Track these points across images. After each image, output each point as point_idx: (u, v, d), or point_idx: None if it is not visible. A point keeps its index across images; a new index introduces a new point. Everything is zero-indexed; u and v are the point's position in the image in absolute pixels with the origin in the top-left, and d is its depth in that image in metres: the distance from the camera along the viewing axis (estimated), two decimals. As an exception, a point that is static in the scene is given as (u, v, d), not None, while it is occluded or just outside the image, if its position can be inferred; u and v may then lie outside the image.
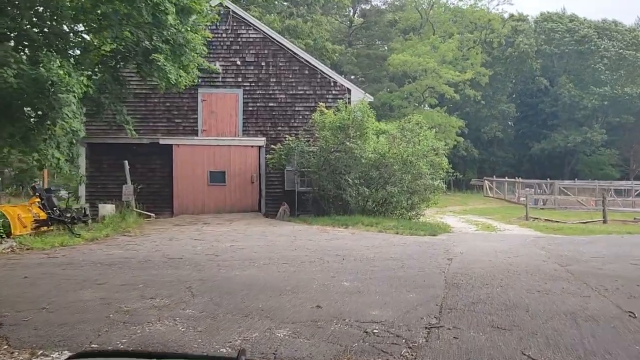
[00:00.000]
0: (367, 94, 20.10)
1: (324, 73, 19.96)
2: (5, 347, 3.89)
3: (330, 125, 17.04)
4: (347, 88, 19.98)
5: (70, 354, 1.57)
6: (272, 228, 14.22)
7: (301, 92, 19.79)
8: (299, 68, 19.80)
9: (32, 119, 13.01)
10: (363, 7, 51.63)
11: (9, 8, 14.70)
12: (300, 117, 19.57)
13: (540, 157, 49.22)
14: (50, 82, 12.06)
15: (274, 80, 19.75)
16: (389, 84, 46.31)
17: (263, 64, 19.74)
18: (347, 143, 16.45)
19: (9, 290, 5.93)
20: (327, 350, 3.87)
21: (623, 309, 5.28)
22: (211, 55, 18.28)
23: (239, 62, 19.63)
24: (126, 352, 1.54)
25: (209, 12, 16.69)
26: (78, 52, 16.12)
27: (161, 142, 19.00)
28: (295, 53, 19.98)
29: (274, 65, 19.77)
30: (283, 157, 17.96)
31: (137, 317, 4.83)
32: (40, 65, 12.22)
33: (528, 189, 32.38)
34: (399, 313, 4.97)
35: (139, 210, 17.31)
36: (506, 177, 38.13)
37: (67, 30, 15.72)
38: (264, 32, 19.95)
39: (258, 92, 19.71)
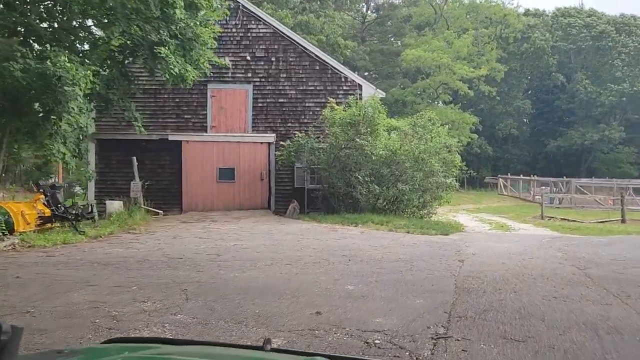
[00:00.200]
0: (378, 89, 19.69)
1: (335, 68, 19.60)
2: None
3: (341, 122, 16.69)
4: (358, 84, 19.59)
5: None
6: (279, 226, 13.93)
7: (311, 88, 19.45)
8: (310, 63, 19.46)
9: (40, 114, 12.89)
10: (376, 2, 51.09)
11: (17, 2, 14.61)
12: (311, 113, 19.24)
13: (556, 155, 48.35)
14: (57, 77, 11.92)
15: (284, 75, 19.43)
16: (402, 80, 45.79)
17: (273, 59, 19.42)
18: (357, 140, 16.09)
19: (-3, 292, 5.69)
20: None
21: (648, 319, 4.89)
22: (221, 51, 18.02)
23: (248, 58, 19.34)
24: (154, 339, 1.68)
25: (219, 6, 16.46)
26: (87, 47, 16.01)
27: (170, 138, 18.80)
28: (305, 48, 19.64)
29: (284, 61, 19.45)
30: (292, 153, 17.64)
31: (124, 322, 4.55)
32: (48, 60, 12.08)
33: (544, 187, 31.70)
34: (404, 321, 4.63)
35: (147, 207, 17.13)
36: (521, 175, 37.46)
37: (76, 25, 15.61)
38: (274, 26, 19.63)
39: (268, 88, 19.41)
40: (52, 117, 12.41)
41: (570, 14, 49.84)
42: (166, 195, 18.65)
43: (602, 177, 38.25)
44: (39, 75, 11.83)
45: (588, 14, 49.51)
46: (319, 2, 39.63)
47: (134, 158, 17.55)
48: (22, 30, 14.19)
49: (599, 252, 9.76)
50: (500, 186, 37.40)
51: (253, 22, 19.48)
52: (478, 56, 41.30)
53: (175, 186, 18.90)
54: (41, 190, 12.43)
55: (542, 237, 13.36)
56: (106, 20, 14.54)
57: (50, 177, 23.43)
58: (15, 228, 10.90)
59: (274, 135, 19.04)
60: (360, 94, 18.78)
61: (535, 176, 34.57)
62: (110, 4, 13.84)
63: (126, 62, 15.97)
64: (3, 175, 13.63)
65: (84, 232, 11.74)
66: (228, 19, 18.88)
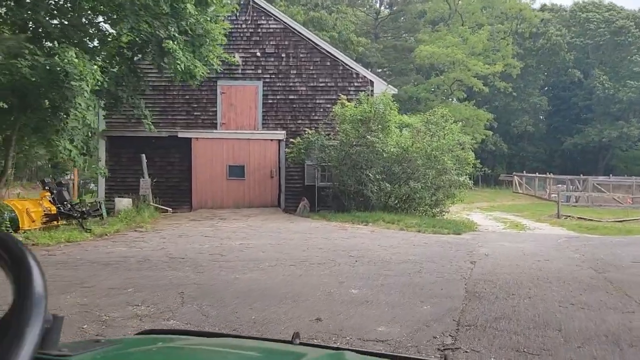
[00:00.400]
0: (390, 85, 19.32)
1: (346, 64, 19.27)
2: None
3: (351, 118, 16.38)
4: (370, 80, 19.24)
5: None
6: (288, 224, 13.68)
7: (322, 84, 19.15)
8: (320, 59, 19.16)
9: (48, 110, 12.79)
10: (390, -3, 50.61)
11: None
12: (322, 110, 18.94)
13: (572, 153, 47.48)
14: (64, 73, 11.81)
15: (295, 72, 19.15)
16: (415, 77, 45.29)
17: (283, 55, 19.15)
18: (368, 137, 15.76)
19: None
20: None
21: (675, 329, 4.53)
22: (230, 47, 17.79)
23: (258, 54, 19.09)
24: (185, 331, 1.80)
25: (228, 1, 16.26)
26: (96, 43, 15.90)
27: (180, 135, 18.64)
28: (316, 44, 19.34)
29: (294, 57, 19.16)
30: (302, 151, 17.37)
31: (113, 329, 4.31)
32: (56, 56, 11.97)
33: (560, 185, 31.05)
34: (409, 330, 4.33)
35: (156, 205, 16.98)
36: (537, 173, 36.76)
37: (86, 22, 15.50)
38: (284, 22, 19.35)
39: (278, 85, 19.15)
40: (59, 112, 12.29)
41: (588, 8, 48.84)
42: (176, 192, 18.51)
43: (620, 175, 37.43)
44: (46, 71, 11.73)
45: (607, 9, 48.46)
46: (331, -2, 39.26)
47: (143, 155, 17.41)
48: (31, 27, 14.10)
49: (618, 253, 9.35)
50: (516, 184, 36.76)
51: (263, 18, 19.21)
52: (493, 52, 40.63)
53: (185, 183, 18.76)
54: (47, 187, 12.30)
55: (558, 237, 12.95)
56: (115, 17, 14.39)
57: (66, 174, 23.47)
58: (20, 226, 10.79)
59: (284, 132, 18.79)
60: (372, 90, 18.41)
61: (551, 174, 33.88)
62: (120, 1, 13.70)
63: (135, 58, 15.83)
64: (13, 171, 13.52)
65: (90, 229, 11.59)
66: (238, 14, 18.68)
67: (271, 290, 5.74)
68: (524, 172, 38.86)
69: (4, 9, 14.11)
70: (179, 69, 13.78)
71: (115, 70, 15.64)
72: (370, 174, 15.72)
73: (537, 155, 48.07)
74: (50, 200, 12.03)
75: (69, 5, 15.01)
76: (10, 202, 11.24)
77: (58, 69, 11.73)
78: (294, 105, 19.12)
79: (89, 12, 15.20)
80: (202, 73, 14.78)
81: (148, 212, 15.43)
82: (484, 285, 6.13)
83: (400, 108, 18.23)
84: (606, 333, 4.38)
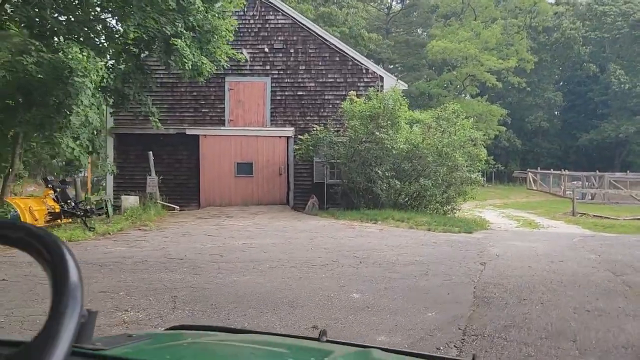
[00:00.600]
0: (400, 81, 18.91)
1: (356, 60, 18.93)
2: None
3: (360, 114, 16.06)
4: (380, 75, 18.89)
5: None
6: (295, 223, 13.41)
7: (331, 80, 18.85)
8: (330, 55, 18.85)
9: (53, 107, 12.66)
10: (402, -8, 50.07)
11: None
12: (331, 106, 18.64)
13: (588, 149, 46.61)
14: (69, 69, 11.68)
15: (303, 67, 18.87)
16: (427, 72, 44.77)
17: (292, 51, 18.88)
18: (377, 133, 15.43)
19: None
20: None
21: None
22: (238, 43, 17.59)
23: (267, 50, 18.82)
24: (214, 327, 1.60)
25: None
26: (103, 40, 15.77)
27: (188, 132, 18.47)
28: (325, 39, 19.03)
29: (303, 52, 18.88)
30: (310, 148, 17.10)
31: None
32: (60, 52, 11.84)
33: (575, 181, 30.41)
34: (411, 340, 4.04)
35: (163, 202, 16.82)
36: (551, 169, 36.09)
37: (92, 18, 15.37)
38: (293, 17, 19.07)
39: (286, 81, 18.88)
40: (63, 110, 12.14)
41: (605, 2, 47.82)
42: (184, 190, 18.38)
43: (638, 171, 36.60)
44: (51, 67, 11.61)
45: (624, 1, 47.42)
46: (342, -7, 38.82)
47: (150, 153, 17.26)
48: (38, 24, 13.99)
49: (636, 254, 8.95)
50: (530, 181, 36.15)
51: (271, 13, 18.94)
52: (507, 46, 39.96)
53: (193, 181, 18.61)
54: (50, 185, 12.15)
55: (572, 236, 12.54)
56: (122, 13, 14.23)
57: (80, 172, 23.49)
58: (22, 224, 10.62)
59: (292, 129, 18.53)
60: (382, 86, 18.07)
61: (566, 170, 33.19)
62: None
63: (142, 55, 15.69)
64: (28, 169, 13.42)
65: (94, 228, 11.43)
66: (246, 10, 18.43)
67: (268, 294, 5.47)
68: (538, 168, 38.21)
69: (10, 7, 14.04)
70: (187, 67, 13.61)
71: (122, 67, 15.51)
72: (379, 171, 15.41)
73: (552, 152, 47.28)
74: (53, 199, 11.87)
75: (76, 1, 14.91)
76: (12, 201, 11.11)
77: (62, 64, 11.61)
78: (303, 102, 18.85)
79: (97, 8, 15.09)
80: (209, 70, 14.59)
81: (154, 210, 15.28)
82: (493, 289, 5.80)
83: (412, 104, 17.90)
84: (625, 344, 4.04)
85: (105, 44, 15.55)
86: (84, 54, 11.96)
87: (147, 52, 15.60)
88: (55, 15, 14.66)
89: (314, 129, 17.25)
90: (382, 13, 49.27)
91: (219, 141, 18.64)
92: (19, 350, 0.65)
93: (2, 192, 13.24)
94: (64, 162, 24.50)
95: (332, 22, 34.96)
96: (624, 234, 13.32)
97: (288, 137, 18.56)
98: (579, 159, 46.02)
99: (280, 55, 18.84)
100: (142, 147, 17.92)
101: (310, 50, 18.85)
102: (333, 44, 19.00)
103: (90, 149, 14.45)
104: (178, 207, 17.12)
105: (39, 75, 11.59)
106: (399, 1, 50.86)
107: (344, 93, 17.96)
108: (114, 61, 16.06)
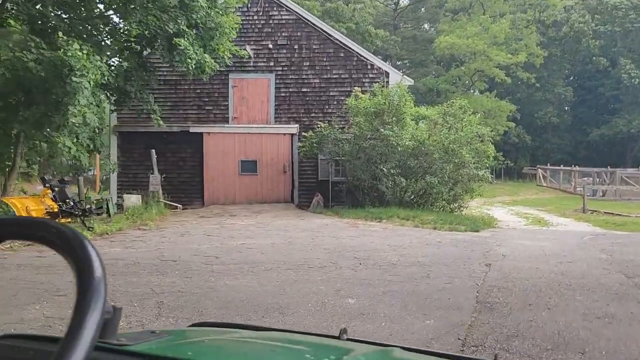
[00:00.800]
0: (405, 76, 18.63)
1: (361, 55, 18.62)
2: None
3: (365, 111, 15.77)
4: (385, 71, 18.57)
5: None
6: (298, 221, 13.16)
7: (336, 76, 18.56)
8: (334, 50, 18.56)
9: (52, 106, 12.51)
10: (409, -13, 49.53)
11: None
12: (335, 102, 18.36)
13: (599, 144, 45.89)
14: (68, 67, 11.51)
15: (308, 64, 18.59)
16: (436, 68, 44.31)
17: (296, 47, 18.60)
18: (382, 130, 15.13)
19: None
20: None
21: None
22: (242, 39, 17.35)
23: (270, 46, 18.57)
24: (235, 324, 1.63)
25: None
26: (105, 37, 15.61)
27: (191, 130, 18.29)
28: (329, 35, 18.73)
29: (307, 48, 18.59)
30: (314, 145, 16.84)
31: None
32: (60, 50, 11.68)
33: (585, 178, 29.88)
34: (406, 351, 3.76)
35: (165, 201, 16.63)
36: (562, 166, 35.54)
37: (95, 15, 15.21)
38: (297, 13, 18.79)
39: (291, 77, 18.62)
40: (61, 108, 11.98)
41: (616, -6, 47.04)
42: (188, 188, 18.19)
43: (650, 168, 35.96)
44: (52, 66, 11.45)
45: (636, -6, 46.59)
46: (348, -11, 38.39)
47: (153, 151, 17.07)
48: (40, 21, 13.84)
49: (649, 254, 8.60)
50: (539, 177, 35.64)
51: (275, 9, 18.67)
52: (516, 41, 39.38)
53: (197, 179, 18.42)
54: (47, 185, 11.97)
55: (583, 234, 12.19)
56: (123, 10, 14.04)
57: (89, 170, 23.48)
58: (19, 224, 10.46)
59: (297, 126, 18.27)
60: (387, 82, 17.73)
61: (576, 166, 32.64)
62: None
63: (145, 53, 15.51)
64: (14, 168, 13.27)
65: (92, 228, 11.25)
66: (249, 5, 18.19)
67: (259, 299, 5.21)
68: (548, 164, 37.68)
69: (11, 4, 13.89)
70: (190, 67, 13.41)
71: (124, 64, 15.34)
72: (384, 169, 15.13)
73: (562, 147, 46.60)
74: (52, 198, 11.71)
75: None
76: (9, 200, 10.95)
77: (62, 62, 11.44)
78: (307, 98, 18.58)
79: (99, 4, 14.92)
80: (212, 67, 14.38)
81: (156, 209, 15.08)
82: (497, 293, 5.50)
83: (420, 101, 17.61)
84: (638, 356, 3.74)
85: (107, 41, 15.40)
86: (84, 51, 11.78)
87: (149, 50, 15.43)
88: (59, 12, 14.53)
89: (319, 126, 16.98)
90: (390, 9, 48.79)
91: (222, 139, 18.42)
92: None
93: (4, 191, 13.13)
94: (72, 161, 24.46)
95: (339, 18, 34.61)
96: (636, 232, 12.92)
97: (292, 135, 18.31)
98: (590, 155, 45.34)
99: (284, 51, 18.58)
100: (145, 145, 17.75)
101: (314, 46, 18.58)
102: (337, 40, 18.71)
103: (91, 148, 14.30)
104: (181, 205, 16.94)
105: (41, 73, 11.44)
106: (406, -4, 50.34)
107: (348, 89, 17.67)
108: (116, 58, 15.91)
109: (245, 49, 17.12)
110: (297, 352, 1.27)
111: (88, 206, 12.29)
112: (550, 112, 45.57)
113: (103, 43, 15.01)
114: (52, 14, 13.98)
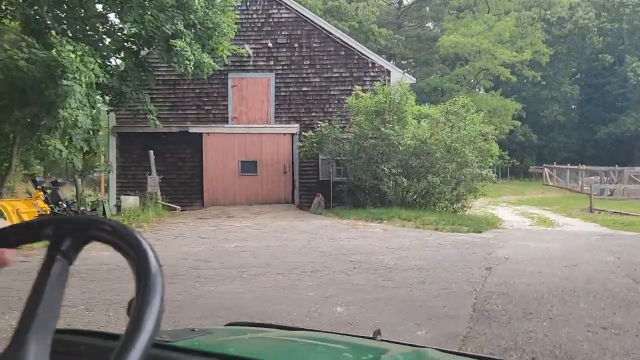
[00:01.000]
0: (407, 74, 18.30)
1: (362, 54, 18.31)
2: None
3: (365, 110, 15.47)
4: (387, 69, 18.25)
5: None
6: (297, 223, 12.87)
7: (337, 75, 18.26)
8: (335, 49, 18.25)
9: (44, 107, 12.29)
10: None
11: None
12: (336, 101, 18.05)
13: (606, 143, 45.33)
14: (61, 68, 11.30)
15: (308, 62, 18.30)
16: (440, 67, 43.94)
17: (296, 45, 18.31)
18: (383, 129, 14.82)
19: None
20: None
21: None
22: (241, 38, 17.08)
23: (270, 45, 18.28)
24: (269, 325, 1.66)
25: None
26: (103, 37, 15.41)
27: (191, 130, 18.03)
28: (330, 33, 18.43)
29: (307, 47, 18.30)
30: (314, 145, 16.55)
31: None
32: (53, 50, 11.46)
33: (593, 177, 29.39)
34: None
35: (164, 203, 16.39)
36: (568, 164, 35.04)
37: (92, 15, 15.01)
38: (296, 11, 18.50)
39: (291, 76, 18.33)
40: (52, 110, 11.75)
41: (623, -9, 46.44)
42: (187, 189, 17.94)
43: (658, 166, 35.42)
44: (45, 66, 11.24)
45: (644, -9, 45.99)
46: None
47: (151, 152, 16.84)
48: (34, 20, 13.64)
49: (659, 255, 8.25)
50: (546, 176, 35.16)
51: (275, 7, 18.38)
52: (521, 39, 38.94)
53: (196, 180, 18.17)
54: (39, 187, 11.74)
55: (589, 235, 11.83)
56: (119, 9, 13.83)
57: (95, 171, 23.32)
58: (10, 228, 10.24)
59: (297, 125, 17.98)
60: (389, 80, 17.42)
61: (583, 165, 32.16)
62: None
63: (143, 52, 15.30)
64: (9, 169, 13.08)
65: (85, 231, 11.00)
66: (248, 4, 17.94)
67: (243, 307, 4.92)
68: (555, 163, 37.20)
69: (6, 4, 13.71)
70: (189, 69, 13.17)
71: (121, 65, 15.13)
72: (385, 168, 14.83)
73: (569, 146, 46.07)
74: (44, 200, 11.48)
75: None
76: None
77: (55, 63, 11.23)
78: (308, 98, 18.29)
79: (98, 4, 14.73)
80: (211, 67, 14.14)
81: (154, 211, 14.85)
82: (496, 300, 5.18)
83: (424, 100, 17.32)
84: (647, 372, 3.42)
85: (104, 42, 15.19)
86: (77, 52, 11.57)
87: (147, 50, 15.22)
88: (56, 12, 14.32)
89: (319, 125, 16.70)
90: (393, 7, 48.44)
91: (222, 139, 18.16)
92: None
93: (-1, 192, 12.94)
94: (66, 163, 24.29)
95: (341, 16, 34.32)
96: (644, 233, 12.53)
97: (293, 134, 18.03)
98: (597, 153, 44.77)
99: (284, 50, 18.30)
100: (144, 146, 17.52)
101: (314, 45, 18.29)
102: (338, 38, 18.41)
103: (86, 149, 14.06)
104: (180, 207, 16.69)
105: (35, 74, 11.24)
106: (410, -6, 49.97)
107: (349, 88, 17.36)
108: (112, 58, 15.71)
109: (244, 48, 16.87)
110: (336, 350, 1.29)
111: (82, 208, 12.05)
112: (557, 110, 45.07)
113: (100, 44, 14.79)
114: (49, 14, 13.78)
